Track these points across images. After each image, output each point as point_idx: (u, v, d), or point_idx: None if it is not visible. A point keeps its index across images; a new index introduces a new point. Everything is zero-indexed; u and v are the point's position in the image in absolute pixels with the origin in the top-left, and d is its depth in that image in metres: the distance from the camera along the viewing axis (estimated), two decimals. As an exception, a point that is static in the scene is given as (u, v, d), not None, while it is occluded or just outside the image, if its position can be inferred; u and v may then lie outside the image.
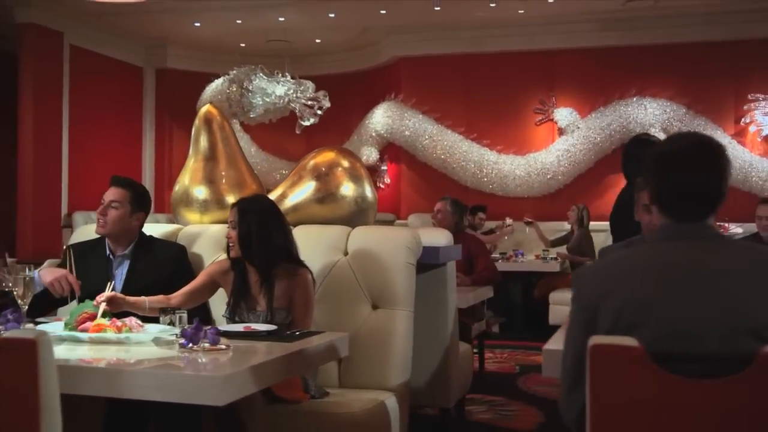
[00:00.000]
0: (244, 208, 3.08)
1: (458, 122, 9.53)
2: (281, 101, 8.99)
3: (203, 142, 3.88)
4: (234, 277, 3.13)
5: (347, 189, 3.76)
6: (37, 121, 8.67)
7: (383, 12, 8.82)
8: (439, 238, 3.79)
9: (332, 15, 8.96)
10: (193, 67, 10.35)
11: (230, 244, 3.08)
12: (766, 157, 8.55)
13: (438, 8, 8.49)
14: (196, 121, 3.93)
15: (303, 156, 11.01)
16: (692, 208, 1.85)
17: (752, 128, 8.60)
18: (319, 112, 9.08)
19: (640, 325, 1.73)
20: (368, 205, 3.80)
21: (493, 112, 9.48)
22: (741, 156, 8.52)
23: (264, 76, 8.96)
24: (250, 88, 8.97)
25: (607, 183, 8.94)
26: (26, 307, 2.67)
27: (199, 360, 2.30)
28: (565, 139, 9.09)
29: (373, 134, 9.79)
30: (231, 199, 3.81)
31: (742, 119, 8.67)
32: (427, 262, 3.47)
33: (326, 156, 3.87)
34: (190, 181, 3.85)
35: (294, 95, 8.99)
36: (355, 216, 3.74)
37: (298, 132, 9.24)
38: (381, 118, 9.68)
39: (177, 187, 3.89)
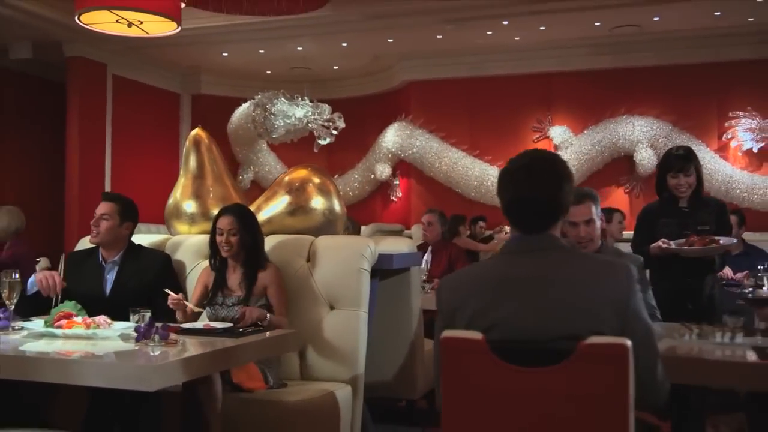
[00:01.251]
0: (241, 218, 3.30)
1: (462, 140, 9.59)
2: (300, 123, 9.15)
3: (192, 162, 4.05)
4: (215, 274, 3.36)
5: (317, 203, 3.87)
6: (83, 142, 8.96)
7: (390, 41, 8.94)
8: (401, 246, 3.90)
9: (345, 44, 9.10)
10: (225, 93, 10.53)
11: (225, 247, 3.28)
12: (746, 170, 8.46)
13: (440, 36, 8.66)
14: (187, 143, 4.11)
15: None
16: (534, 221, 1.93)
17: (734, 143, 8.52)
18: (335, 132, 9.23)
19: (488, 331, 1.82)
20: (336, 217, 3.91)
21: (494, 130, 9.50)
22: (723, 169, 8.44)
23: (285, 100, 9.13)
24: (273, 111, 9.15)
25: (599, 195, 8.93)
26: (12, 306, 2.84)
27: (150, 353, 2.44)
28: (560, 154, 9.09)
29: (386, 152, 9.89)
30: (216, 212, 3.99)
31: (724, 135, 8.59)
32: (382, 267, 3.56)
33: (299, 173, 4.00)
34: (181, 196, 4.02)
35: (312, 117, 9.16)
36: (324, 227, 3.85)
37: (316, 150, 9.41)
38: (392, 137, 9.79)
39: (169, 202, 4.06)
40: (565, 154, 9.02)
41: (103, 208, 3.46)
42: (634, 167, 8.71)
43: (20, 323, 2.86)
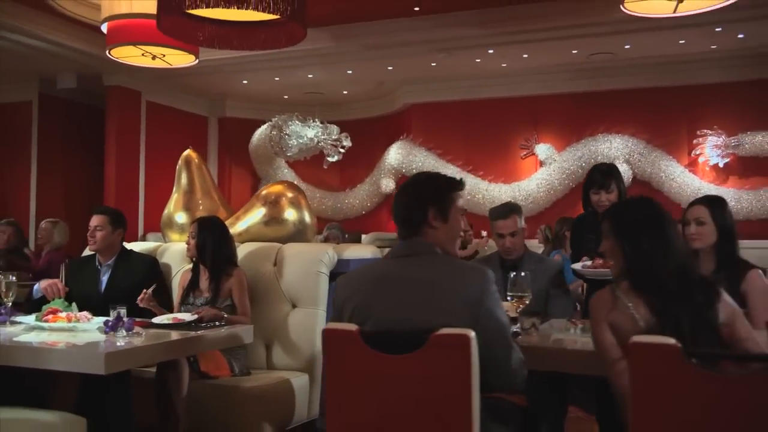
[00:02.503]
0: (202, 224, 3.48)
1: (457, 156, 9.68)
2: (312, 142, 9.36)
3: (183, 179, 4.25)
4: (191, 276, 3.54)
5: (289, 214, 4.03)
6: (119, 160, 9.25)
7: (390, 68, 9.08)
8: (364, 253, 4.01)
9: (350, 72, 9.27)
10: (248, 115, 10.79)
11: (187, 248, 3.49)
12: (713, 183, 8.43)
13: (434, 64, 8.80)
14: (179, 162, 4.30)
15: (336, 186, 11.42)
16: (403, 230, 2.08)
17: (702, 159, 8.49)
18: (342, 150, 9.42)
19: (365, 322, 1.97)
20: (306, 227, 4.06)
21: (486, 147, 9.58)
22: (692, 182, 8.43)
23: (298, 122, 9.34)
24: (287, 131, 9.36)
25: (579, 207, 8.93)
26: (9, 303, 3.04)
27: (117, 342, 2.61)
28: (544, 169, 9.15)
29: (390, 168, 10.01)
30: (206, 222, 4.17)
31: (693, 151, 8.57)
32: (340, 271, 3.68)
33: (275, 188, 4.17)
34: (173, 209, 4.21)
35: (322, 137, 9.36)
36: (295, 235, 4.01)
37: (325, 167, 9.61)
38: (395, 154, 9.90)
39: (164, 213, 4.26)
40: (549, 169, 9.10)
41: (96, 220, 3.63)
42: (612, 181, 8.72)
43: (18, 317, 3.05)
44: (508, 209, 3.44)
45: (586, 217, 3.67)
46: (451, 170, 9.54)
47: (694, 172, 8.54)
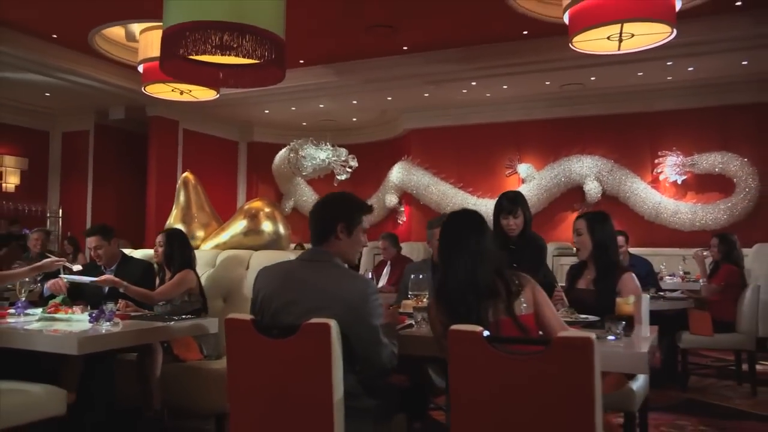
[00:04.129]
0: (168, 236, 3.75)
1: (450, 175, 9.83)
2: (324, 163, 9.58)
3: (182, 197, 4.53)
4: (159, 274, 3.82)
5: (266, 226, 4.25)
6: (159, 179, 9.63)
7: (389, 98, 9.31)
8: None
9: (355, 102, 9.51)
10: (273, 140, 11.02)
11: (156, 257, 3.76)
12: (673, 198, 8.43)
13: (427, 94, 8.99)
14: (178, 182, 4.59)
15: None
16: (315, 238, 2.28)
17: (662, 176, 8.50)
18: (349, 170, 9.64)
19: (267, 310, 2.19)
20: (280, 237, 4.27)
21: (475, 167, 9.71)
22: (653, 197, 8.44)
23: (312, 146, 9.60)
24: (302, 154, 9.60)
25: (557, 219, 9.05)
26: (23, 297, 3.33)
27: (99, 330, 2.84)
28: (525, 186, 9.22)
29: (393, 185, 10.20)
30: (200, 233, 4.43)
31: (655, 170, 8.59)
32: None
33: (255, 204, 4.40)
34: (173, 221, 4.47)
35: (332, 158, 9.61)
36: (270, 244, 4.21)
37: (335, 184, 9.83)
38: (397, 173, 10.10)
39: (166, 225, 4.53)
40: (529, 186, 9.18)
41: (93, 242, 3.81)
42: (584, 196, 8.79)
43: (29, 310, 3.33)
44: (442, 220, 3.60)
45: (497, 239, 3.63)
46: (442, 187, 9.72)
47: (656, 188, 8.55)
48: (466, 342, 1.85)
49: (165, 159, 9.78)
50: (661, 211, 8.31)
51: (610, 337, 2.33)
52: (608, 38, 5.18)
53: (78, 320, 3.12)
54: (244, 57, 4.20)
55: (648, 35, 5.07)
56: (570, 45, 5.10)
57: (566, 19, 5.01)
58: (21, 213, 9.50)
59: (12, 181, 9.71)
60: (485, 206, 9.28)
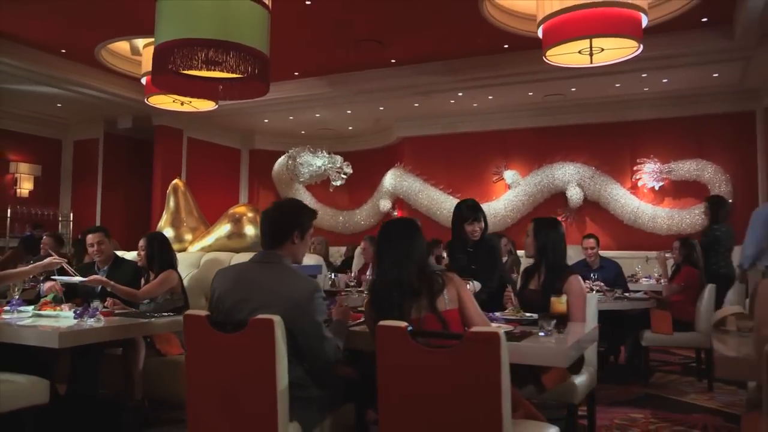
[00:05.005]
0: (149, 239, 3.88)
1: (440, 181, 9.92)
2: (320, 170, 9.66)
3: (171, 202, 4.67)
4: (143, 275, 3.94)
5: (249, 230, 4.40)
6: (165, 186, 9.48)
7: (381, 108, 9.43)
8: (308, 261, 4.32)
9: (349, 111, 9.63)
10: (273, 147, 11.13)
11: (139, 259, 3.89)
12: (651, 203, 8.49)
13: (417, 104, 9.10)
14: (168, 189, 4.73)
15: (346, 205, 11.67)
16: (269, 241, 2.39)
17: (641, 183, 8.57)
18: (344, 176, 9.76)
19: (219, 309, 2.31)
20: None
21: (464, 173, 9.80)
22: (632, 203, 8.51)
23: (309, 153, 9.72)
24: (300, 161, 9.70)
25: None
26: (17, 296, 3.46)
27: (83, 325, 2.97)
28: (511, 192, 9.32)
29: (386, 191, 10.30)
30: (189, 237, 4.56)
31: (634, 176, 8.65)
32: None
33: (239, 209, 4.54)
34: (163, 225, 4.63)
35: (328, 165, 9.72)
36: (253, 247, 4.36)
37: (331, 190, 9.92)
38: (390, 179, 10.20)
39: (156, 228, 4.68)
40: (515, 192, 9.27)
41: (96, 237, 3.98)
42: (567, 201, 8.87)
43: (22, 307, 3.47)
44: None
45: (456, 243, 3.75)
46: (432, 193, 9.82)
47: (635, 194, 8.61)
48: (390, 336, 1.96)
49: (170, 166, 9.92)
50: (639, 215, 8.38)
51: (541, 333, 2.43)
52: (579, 52, 5.28)
53: (65, 317, 3.25)
54: (228, 72, 4.36)
55: (617, 49, 5.17)
56: (544, 58, 5.18)
57: (540, 34, 5.11)
58: (34, 217, 9.67)
59: (26, 187, 9.91)
60: (473, 211, 9.39)
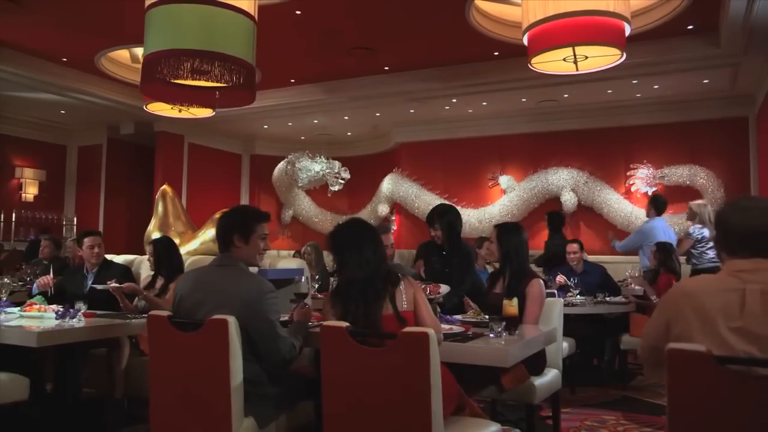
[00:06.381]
0: (156, 244, 4.03)
1: (437, 186, 10.02)
2: (318, 174, 9.82)
3: (160, 207, 4.83)
4: (150, 279, 4.08)
5: (233, 234, 4.52)
6: (165, 190, 9.97)
7: (378, 114, 9.55)
8: (290, 265, 4.43)
9: (346, 117, 9.76)
10: (274, 153, 11.23)
11: (150, 263, 4.02)
12: (643, 208, 8.47)
13: (413, 110, 9.22)
14: (157, 195, 4.88)
15: (345, 210, 11.74)
16: (220, 246, 2.52)
17: (634, 188, 8.61)
18: (342, 181, 9.90)
19: (181, 310, 2.44)
20: (245, 244, 4.54)
21: (460, 178, 9.88)
22: (626, 208, 8.56)
23: (308, 158, 9.88)
24: (298, 166, 9.88)
25: (535, 228, 9.17)
26: (4, 297, 3.62)
27: (63, 325, 3.11)
28: (506, 197, 9.40)
29: (384, 195, 10.38)
30: (176, 241, 4.70)
31: (628, 182, 8.70)
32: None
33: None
34: (152, 229, 4.79)
35: (326, 170, 9.87)
36: (237, 250, 4.49)
37: (329, 194, 10.07)
38: (387, 184, 10.29)
39: (146, 233, 4.83)
40: (510, 197, 9.34)
41: (95, 241, 4.13)
42: (561, 206, 8.92)
43: (8, 309, 3.61)
44: (386, 228, 3.83)
45: (429, 245, 3.95)
46: (429, 198, 9.91)
47: (629, 199, 8.66)
48: (333, 336, 2.08)
49: (171, 171, 10.10)
50: (632, 220, 8.42)
51: (491, 335, 2.54)
52: (564, 60, 5.38)
53: (48, 318, 3.38)
54: (214, 81, 4.51)
55: (601, 57, 5.26)
56: (529, 66, 5.28)
57: (525, 42, 5.21)
58: (39, 221, 9.90)
59: (31, 192, 10.14)
60: (469, 216, 9.48)
